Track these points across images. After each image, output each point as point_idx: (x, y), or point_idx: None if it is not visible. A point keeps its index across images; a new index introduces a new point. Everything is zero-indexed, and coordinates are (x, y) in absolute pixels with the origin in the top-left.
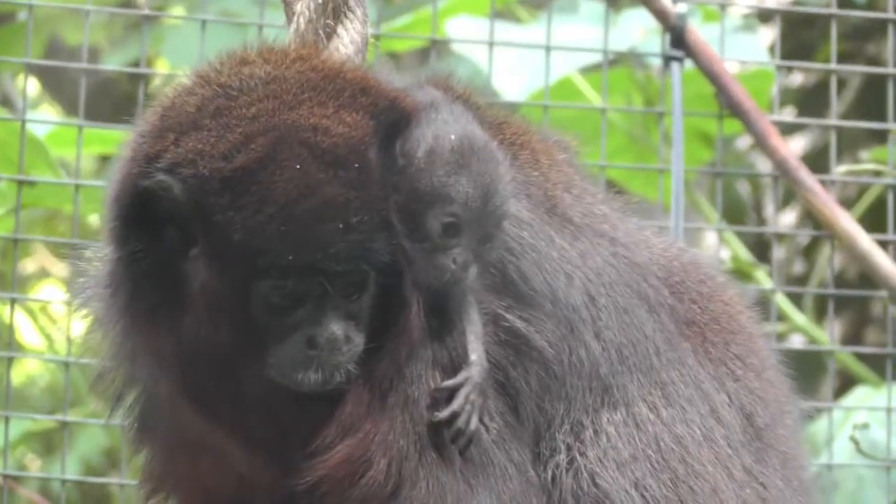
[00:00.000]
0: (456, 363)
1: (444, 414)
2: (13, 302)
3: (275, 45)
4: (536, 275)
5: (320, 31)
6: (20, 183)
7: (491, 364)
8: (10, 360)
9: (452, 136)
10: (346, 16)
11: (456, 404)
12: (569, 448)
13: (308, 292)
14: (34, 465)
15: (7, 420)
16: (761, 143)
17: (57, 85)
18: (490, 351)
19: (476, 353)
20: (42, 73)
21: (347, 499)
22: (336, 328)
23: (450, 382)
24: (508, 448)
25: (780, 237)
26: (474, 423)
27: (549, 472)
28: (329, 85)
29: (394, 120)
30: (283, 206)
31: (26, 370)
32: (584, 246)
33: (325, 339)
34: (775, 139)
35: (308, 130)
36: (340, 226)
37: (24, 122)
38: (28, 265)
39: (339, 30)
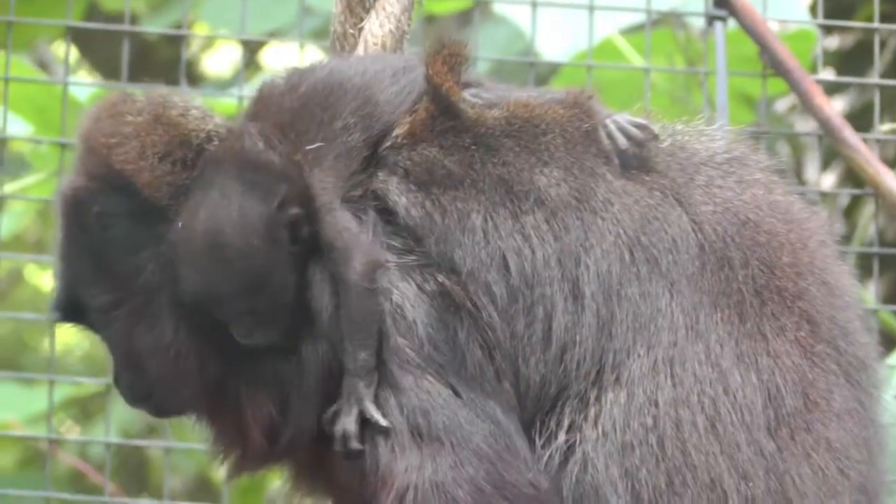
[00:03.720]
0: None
1: (326, 416)
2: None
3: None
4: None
5: None
6: (62, 146)
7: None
8: (52, 326)
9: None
10: None
11: (329, 411)
12: (571, 426)
13: None
14: (72, 432)
15: (52, 384)
16: (805, 103)
17: (95, 51)
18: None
19: (350, 358)
20: (79, 40)
21: None
22: None
23: (329, 411)
24: (457, 410)
25: (823, 196)
26: (351, 425)
27: (548, 452)
28: None
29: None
30: None
31: (63, 338)
32: (571, 222)
33: None
34: (819, 99)
35: None
36: None
37: (66, 84)
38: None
39: None
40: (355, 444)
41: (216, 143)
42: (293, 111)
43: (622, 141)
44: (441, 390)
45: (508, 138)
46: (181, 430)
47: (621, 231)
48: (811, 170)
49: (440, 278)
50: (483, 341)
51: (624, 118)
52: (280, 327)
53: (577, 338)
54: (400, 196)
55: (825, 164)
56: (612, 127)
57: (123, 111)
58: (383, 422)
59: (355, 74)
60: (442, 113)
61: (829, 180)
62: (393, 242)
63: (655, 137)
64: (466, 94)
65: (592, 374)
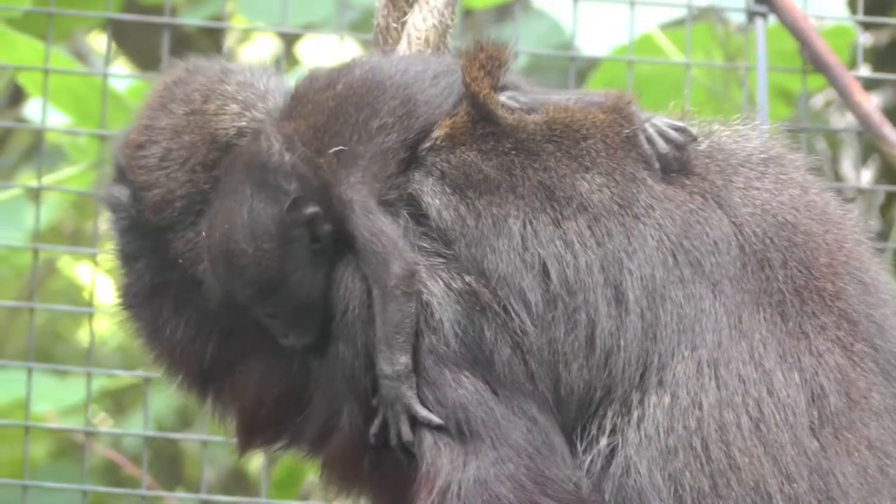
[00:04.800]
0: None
1: (373, 430)
2: (95, 258)
3: None
4: (506, 259)
5: None
6: (101, 138)
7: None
8: (91, 316)
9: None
10: None
11: (375, 424)
12: (613, 430)
13: None
14: (105, 424)
15: (90, 377)
16: (845, 99)
17: (131, 42)
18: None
19: (387, 362)
20: (116, 31)
21: None
22: None
23: (375, 424)
24: (491, 408)
25: (860, 193)
26: (406, 431)
27: (589, 457)
28: None
29: None
30: None
31: (98, 330)
32: (613, 227)
33: None
34: (859, 95)
35: None
36: None
37: (105, 75)
38: (102, 222)
39: None
40: (410, 451)
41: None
42: (328, 111)
43: (662, 145)
44: (478, 385)
45: (549, 143)
46: (216, 422)
47: (664, 236)
48: (848, 166)
49: (467, 279)
50: (513, 343)
51: (663, 121)
52: (314, 327)
53: (622, 342)
54: (433, 198)
55: (863, 160)
56: (652, 131)
57: (173, 96)
58: (437, 420)
59: (395, 73)
60: (482, 118)
61: (865, 176)
62: (422, 244)
63: (694, 140)
64: (503, 97)
65: (637, 377)
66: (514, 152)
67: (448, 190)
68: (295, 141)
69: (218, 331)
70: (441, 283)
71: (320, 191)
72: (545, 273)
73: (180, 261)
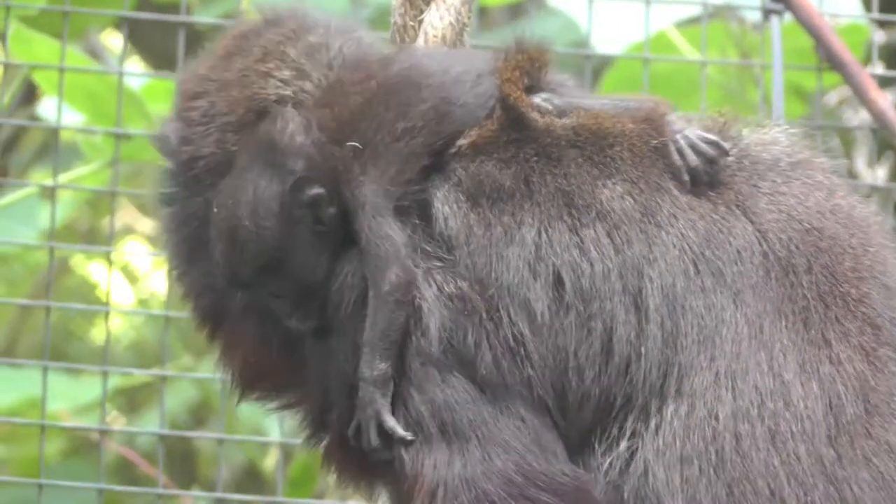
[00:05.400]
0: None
1: (350, 431)
2: (109, 257)
3: None
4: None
5: None
6: (117, 137)
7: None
8: (106, 315)
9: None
10: None
11: (352, 425)
12: (633, 434)
13: None
14: (118, 423)
15: (105, 375)
16: (860, 97)
17: (144, 39)
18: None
19: (368, 366)
20: (129, 28)
21: None
22: None
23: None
24: (479, 408)
25: (874, 190)
26: (374, 437)
27: (608, 459)
28: None
29: None
30: None
31: (111, 328)
32: (634, 234)
33: None
34: (874, 92)
35: None
36: None
37: (121, 74)
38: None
39: None
40: (385, 455)
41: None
42: (357, 105)
43: (692, 158)
44: (466, 386)
45: (573, 149)
46: (231, 420)
47: (686, 245)
48: (862, 163)
49: (460, 283)
50: (504, 349)
51: (695, 133)
52: (316, 310)
53: (643, 350)
54: (443, 205)
55: (878, 157)
56: (683, 143)
57: (239, 48)
58: (401, 433)
59: (434, 73)
60: (511, 123)
61: (880, 174)
62: (426, 247)
63: (726, 154)
64: (538, 98)
65: (657, 385)
66: (535, 158)
67: (461, 198)
68: (312, 127)
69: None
70: (434, 286)
71: (328, 175)
72: (558, 281)
73: (195, 221)
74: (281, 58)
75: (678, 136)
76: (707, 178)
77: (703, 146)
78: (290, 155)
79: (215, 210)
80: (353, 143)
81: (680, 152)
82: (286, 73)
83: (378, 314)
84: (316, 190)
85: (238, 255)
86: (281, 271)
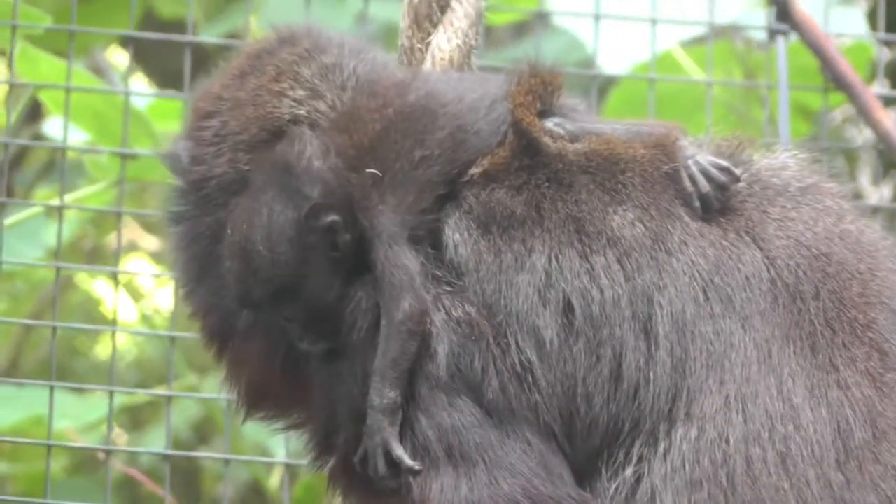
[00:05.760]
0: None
1: (357, 458)
2: (116, 276)
3: None
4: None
5: (434, 4)
6: (123, 157)
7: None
8: (113, 334)
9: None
10: None
11: (359, 452)
12: (640, 459)
13: None
14: (121, 440)
15: (112, 395)
16: (865, 117)
17: (149, 56)
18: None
19: (377, 394)
20: (136, 46)
21: None
22: None
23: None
24: (485, 432)
25: (876, 210)
26: (381, 465)
27: (614, 485)
28: None
29: None
30: None
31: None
32: (645, 261)
33: None
34: (879, 112)
35: None
36: None
37: (127, 94)
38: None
39: (453, 3)
40: (391, 483)
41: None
42: (375, 133)
43: (703, 184)
44: (473, 410)
45: (585, 174)
46: (236, 438)
47: (696, 272)
48: (866, 181)
49: (468, 308)
50: (511, 375)
51: (707, 159)
52: (327, 333)
53: (651, 375)
54: (454, 232)
55: (883, 174)
56: (695, 169)
57: (254, 67)
58: (410, 463)
59: (450, 102)
60: (523, 149)
61: (885, 192)
62: (437, 272)
63: (737, 180)
64: (549, 123)
65: (665, 410)
66: (546, 184)
67: (472, 225)
68: (330, 152)
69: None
70: (443, 311)
71: (344, 202)
72: (568, 308)
73: (205, 240)
74: (295, 77)
75: (690, 162)
76: (718, 204)
77: (715, 172)
78: (307, 180)
79: (229, 231)
80: (373, 171)
81: (691, 178)
82: (300, 93)
83: (390, 342)
84: (332, 217)
85: (251, 277)
86: (293, 295)
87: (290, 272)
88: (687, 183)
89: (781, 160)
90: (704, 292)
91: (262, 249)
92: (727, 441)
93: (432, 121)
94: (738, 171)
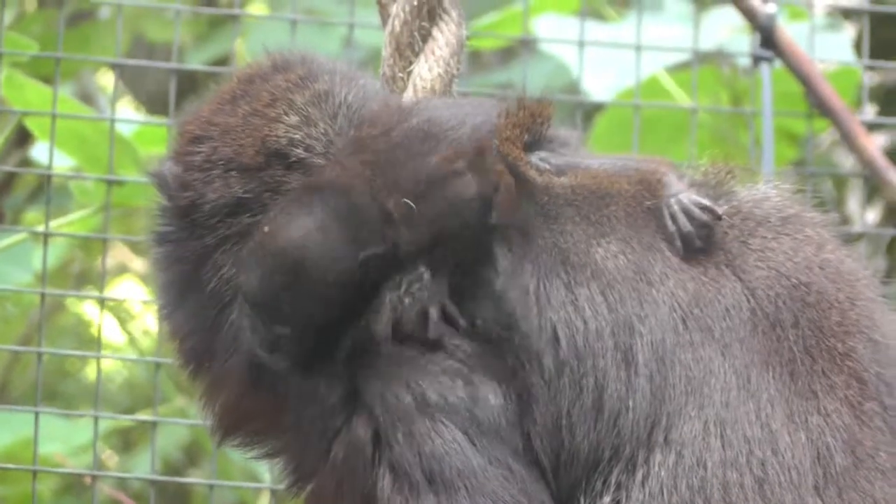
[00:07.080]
0: None
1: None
2: (102, 302)
3: None
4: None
5: (415, 33)
6: (109, 183)
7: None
8: (98, 361)
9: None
10: (441, 18)
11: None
12: (618, 487)
13: None
14: (111, 462)
15: (96, 420)
16: (849, 143)
17: (136, 80)
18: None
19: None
20: (123, 70)
21: None
22: None
23: None
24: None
25: (861, 235)
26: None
27: None
28: None
29: None
30: None
31: (104, 367)
32: (624, 292)
33: None
34: (863, 139)
35: None
36: None
37: (112, 121)
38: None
39: (435, 32)
40: None
41: (298, 152)
42: (383, 156)
43: (685, 224)
44: (456, 435)
45: (570, 207)
46: (224, 461)
47: (676, 304)
48: (853, 204)
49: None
50: (511, 397)
51: (689, 198)
52: (299, 354)
53: (631, 403)
54: None
55: (868, 199)
56: (676, 208)
57: (245, 92)
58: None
59: (451, 129)
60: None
61: (871, 216)
62: None
63: (719, 219)
64: (535, 157)
65: (644, 436)
66: (532, 216)
67: None
68: (377, 188)
69: (211, 327)
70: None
71: (384, 235)
72: (556, 338)
73: (188, 264)
74: (289, 104)
75: (672, 201)
76: (700, 242)
77: (697, 212)
78: (367, 220)
79: (266, 237)
80: (407, 201)
81: (673, 217)
82: (294, 119)
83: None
84: (376, 250)
85: (283, 292)
86: (303, 319)
87: (318, 299)
88: (668, 222)
89: (763, 191)
90: (684, 322)
91: (312, 273)
92: (704, 466)
93: (435, 144)
94: (719, 211)
